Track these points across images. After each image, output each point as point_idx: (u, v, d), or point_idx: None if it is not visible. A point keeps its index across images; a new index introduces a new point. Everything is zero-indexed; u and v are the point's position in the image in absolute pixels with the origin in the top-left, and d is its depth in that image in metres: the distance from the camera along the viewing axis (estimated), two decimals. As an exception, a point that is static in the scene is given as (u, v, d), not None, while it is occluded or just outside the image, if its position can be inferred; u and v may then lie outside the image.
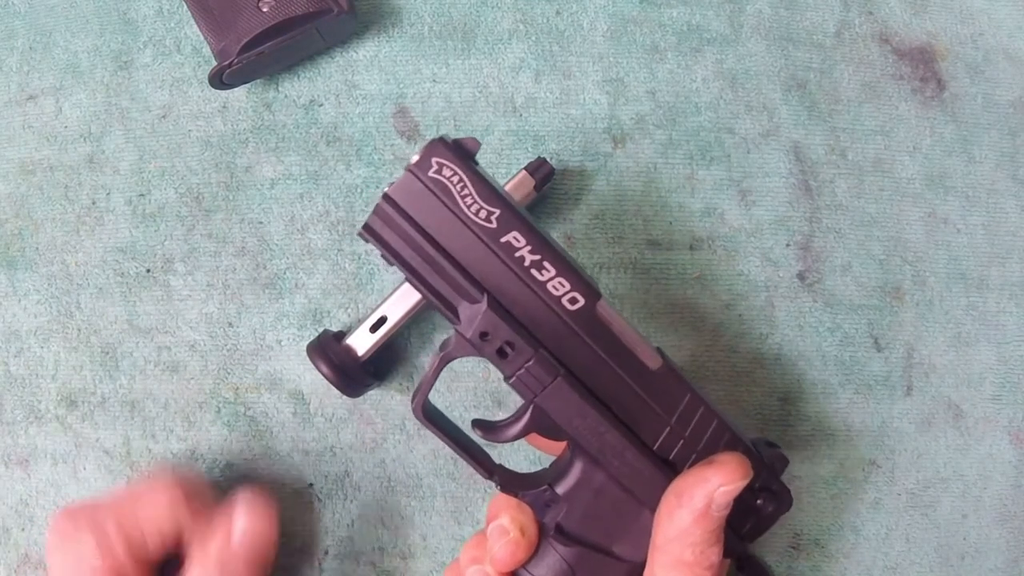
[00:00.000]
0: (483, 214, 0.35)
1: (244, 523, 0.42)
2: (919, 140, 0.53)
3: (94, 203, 0.51)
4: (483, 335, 0.36)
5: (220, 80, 0.49)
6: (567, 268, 0.36)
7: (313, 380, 0.50)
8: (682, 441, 0.38)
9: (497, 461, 0.40)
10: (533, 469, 0.48)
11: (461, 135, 0.51)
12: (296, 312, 0.50)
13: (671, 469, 0.38)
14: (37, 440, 0.50)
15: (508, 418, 0.39)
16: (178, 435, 0.50)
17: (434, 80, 0.52)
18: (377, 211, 0.35)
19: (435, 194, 0.35)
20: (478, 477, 0.49)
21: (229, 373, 0.50)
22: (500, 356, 0.36)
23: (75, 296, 0.51)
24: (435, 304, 0.36)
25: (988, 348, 0.52)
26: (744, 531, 0.40)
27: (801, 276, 0.52)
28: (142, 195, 0.51)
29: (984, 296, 0.52)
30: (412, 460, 0.50)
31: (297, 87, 0.52)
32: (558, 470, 0.40)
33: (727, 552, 0.38)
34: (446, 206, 0.35)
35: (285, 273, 0.51)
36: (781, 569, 0.50)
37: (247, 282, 0.51)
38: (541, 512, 0.39)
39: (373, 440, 0.50)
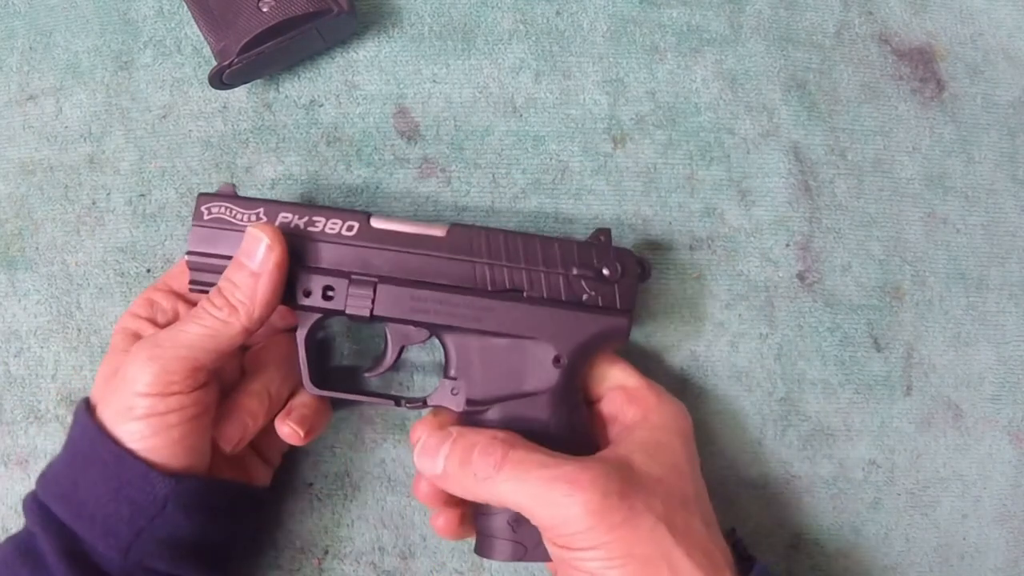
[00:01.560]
0: (252, 217, 0.43)
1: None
2: (918, 140, 0.53)
3: (94, 203, 0.51)
4: (306, 293, 0.43)
5: (220, 80, 0.49)
6: (331, 211, 0.44)
7: (313, 380, 0.50)
8: (506, 269, 0.43)
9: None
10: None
11: (461, 135, 0.52)
12: (296, 312, 0.50)
13: (518, 294, 0.43)
14: (37, 440, 0.50)
15: None
16: (178, 435, 0.50)
17: (434, 80, 0.52)
18: (190, 267, 0.43)
19: (217, 228, 0.43)
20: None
21: (229, 373, 0.50)
22: (327, 300, 0.43)
23: (75, 296, 0.51)
24: None
25: (988, 348, 0.52)
26: (610, 304, 0.44)
27: (801, 276, 0.52)
28: (142, 195, 0.51)
29: (984, 296, 0.52)
30: (412, 460, 0.50)
31: (297, 87, 0.52)
32: (446, 363, 0.45)
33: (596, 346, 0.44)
34: (229, 229, 0.43)
35: (285, 273, 0.51)
36: (781, 569, 0.50)
37: (247, 282, 0.51)
38: (455, 402, 0.44)
39: (373, 440, 0.50)
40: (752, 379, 0.51)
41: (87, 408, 0.42)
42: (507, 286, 0.43)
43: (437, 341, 0.45)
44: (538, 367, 0.43)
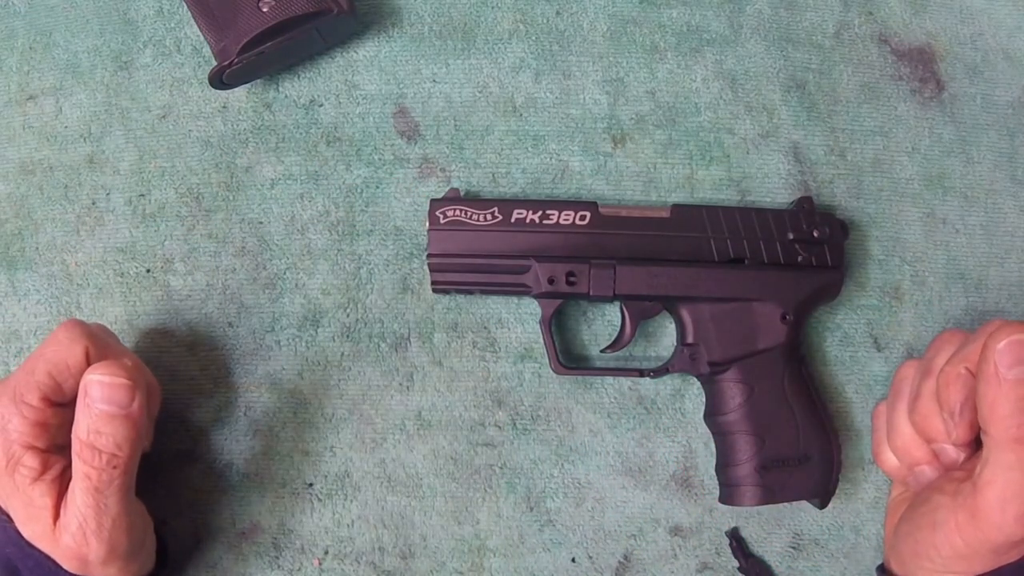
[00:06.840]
0: (489, 216, 0.47)
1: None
2: (918, 140, 0.53)
3: (94, 203, 0.51)
4: (550, 281, 0.46)
5: (220, 80, 0.49)
6: (563, 204, 0.47)
7: (312, 380, 0.50)
8: (728, 240, 0.47)
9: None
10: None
11: (461, 135, 0.52)
12: (296, 312, 0.50)
13: (740, 263, 0.47)
14: (37, 440, 0.50)
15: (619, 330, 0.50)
16: (178, 435, 0.50)
17: (434, 80, 0.52)
18: (431, 268, 0.47)
19: (456, 230, 0.47)
20: (477, 477, 0.50)
21: (229, 373, 0.50)
22: (571, 285, 0.46)
23: (75, 296, 0.51)
24: (511, 292, 0.48)
25: (987, 348, 0.52)
26: (822, 263, 0.48)
27: (801, 276, 0.52)
28: (142, 195, 0.51)
29: (983, 296, 0.52)
30: (412, 460, 0.50)
31: (297, 87, 0.52)
32: (678, 331, 0.49)
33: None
34: (466, 230, 0.47)
35: (285, 273, 0.51)
36: (781, 569, 0.50)
37: (247, 282, 0.51)
38: (695, 367, 0.47)
39: (373, 440, 0.50)
40: (752, 379, 0.51)
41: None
42: (731, 255, 0.47)
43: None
44: (767, 326, 0.47)
